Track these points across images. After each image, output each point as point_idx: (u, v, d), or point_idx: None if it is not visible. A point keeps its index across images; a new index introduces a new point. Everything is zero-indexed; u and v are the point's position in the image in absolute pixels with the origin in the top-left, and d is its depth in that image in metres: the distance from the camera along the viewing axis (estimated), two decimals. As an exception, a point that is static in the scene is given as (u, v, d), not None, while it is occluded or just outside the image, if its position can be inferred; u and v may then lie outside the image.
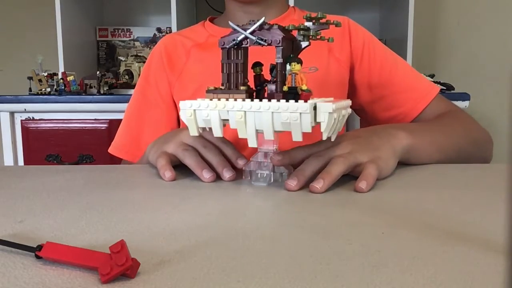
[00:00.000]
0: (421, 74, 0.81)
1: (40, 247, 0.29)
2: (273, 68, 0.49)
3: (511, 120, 0.55)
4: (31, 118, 1.47)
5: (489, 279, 0.26)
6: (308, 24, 0.50)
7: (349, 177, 0.54)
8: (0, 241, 0.31)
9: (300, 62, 0.47)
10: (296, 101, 0.44)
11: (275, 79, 0.48)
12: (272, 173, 0.50)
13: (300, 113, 0.44)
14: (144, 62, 1.34)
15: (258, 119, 0.46)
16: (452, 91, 1.36)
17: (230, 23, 0.49)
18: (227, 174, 0.52)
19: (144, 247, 0.31)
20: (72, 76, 1.50)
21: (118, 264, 0.26)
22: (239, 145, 0.74)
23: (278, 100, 0.45)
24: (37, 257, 0.29)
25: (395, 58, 0.80)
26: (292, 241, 0.33)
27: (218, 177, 0.53)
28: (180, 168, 0.58)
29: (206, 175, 0.51)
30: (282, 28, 0.47)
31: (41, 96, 1.47)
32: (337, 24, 0.51)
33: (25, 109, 1.45)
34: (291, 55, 0.49)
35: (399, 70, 0.78)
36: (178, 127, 0.83)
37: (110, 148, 0.83)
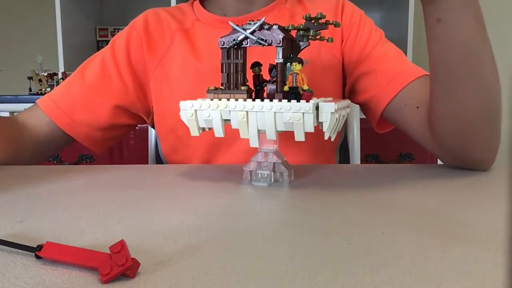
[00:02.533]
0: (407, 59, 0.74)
1: (40, 247, 0.29)
2: (272, 68, 0.49)
3: (511, 121, 0.55)
4: (31, 118, 1.47)
5: (489, 279, 0.26)
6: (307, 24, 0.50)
7: (349, 178, 0.54)
8: (0, 241, 0.31)
9: (301, 62, 0.47)
10: (298, 101, 0.44)
11: (274, 79, 0.48)
12: (272, 173, 0.50)
13: (303, 113, 0.44)
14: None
15: (261, 119, 0.46)
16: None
17: (231, 23, 0.49)
18: None
19: (144, 247, 0.31)
20: (72, 76, 1.49)
21: (118, 264, 0.26)
22: (235, 146, 0.74)
23: (280, 100, 0.45)
24: (37, 257, 0.29)
25: (383, 41, 0.74)
26: (292, 241, 0.33)
27: (218, 178, 0.53)
28: (180, 168, 0.58)
29: None
30: (282, 28, 0.47)
31: (41, 96, 1.47)
32: (336, 25, 0.51)
33: (25, 109, 1.45)
34: (291, 55, 0.49)
35: (380, 51, 0.73)
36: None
37: (41, 99, 0.76)
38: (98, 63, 0.77)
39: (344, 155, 0.92)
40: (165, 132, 0.78)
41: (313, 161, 0.74)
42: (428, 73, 0.68)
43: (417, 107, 0.65)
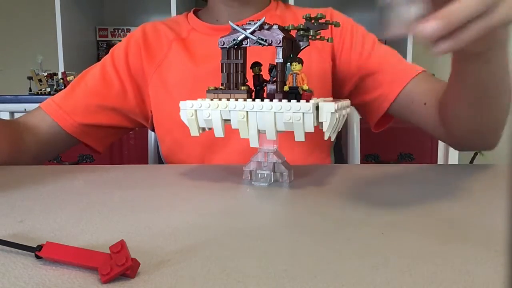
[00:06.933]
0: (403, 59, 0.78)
1: (40, 247, 0.29)
2: (272, 68, 0.49)
3: (511, 121, 0.55)
4: (31, 118, 1.47)
5: (489, 279, 0.26)
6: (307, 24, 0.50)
7: (349, 178, 0.54)
8: (0, 241, 0.31)
9: (301, 62, 0.47)
10: (298, 101, 0.44)
11: (274, 79, 0.48)
12: (272, 173, 0.50)
13: (303, 113, 0.44)
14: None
15: (260, 119, 0.46)
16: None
17: (231, 23, 0.49)
18: None
19: (144, 247, 0.31)
20: (72, 76, 1.50)
21: (118, 264, 0.26)
22: (235, 146, 0.74)
23: (280, 100, 0.45)
24: (37, 257, 0.29)
25: (378, 43, 0.77)
26: (292, 241, 0.33)
27: (218, 178, 0.53)
28: (180, 168, 0.58)
29: None
30: (282, 28, 0.47)
31: (41, 96, 1.48)
32: (336, 25, 0.51)
33: (25, 109, 1.45)
34: (291, 55, 0.49)
35: (379, 53, 0.75)
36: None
37: (43, 103, 0.77)
38: (99, 69, 0.80)
39: (339, 155, 0.92)
40: (162, 135, 0.80)
41: (307, 160, 0.74)
42: (425, 70, 0.73)
43: (425, 104, 0.68)
